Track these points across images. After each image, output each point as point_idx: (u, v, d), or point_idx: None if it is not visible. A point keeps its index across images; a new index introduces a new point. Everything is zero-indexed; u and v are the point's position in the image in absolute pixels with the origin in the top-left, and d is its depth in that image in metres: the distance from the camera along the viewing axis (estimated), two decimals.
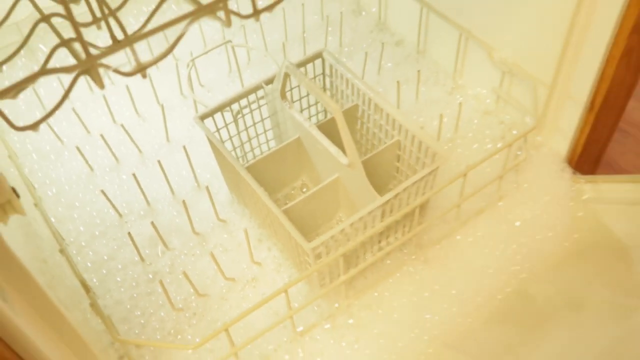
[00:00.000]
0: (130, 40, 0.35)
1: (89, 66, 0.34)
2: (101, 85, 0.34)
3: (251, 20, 0.85)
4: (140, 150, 0.74)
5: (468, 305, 0.61)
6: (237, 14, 0.37)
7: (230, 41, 0.74)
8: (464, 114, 0.73)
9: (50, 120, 0.77)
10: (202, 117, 0.62)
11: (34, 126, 0.32)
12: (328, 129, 0.61)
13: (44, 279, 0.45)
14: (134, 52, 0.35)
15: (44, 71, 0.33)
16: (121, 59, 0.36)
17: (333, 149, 0.57)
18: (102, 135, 0.72)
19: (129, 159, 0.74)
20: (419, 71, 0.73)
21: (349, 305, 0.60)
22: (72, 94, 0.34)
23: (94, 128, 0.77)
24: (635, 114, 1.05)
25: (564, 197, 0.67)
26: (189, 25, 0.34)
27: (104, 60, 0.34)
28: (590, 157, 0.72)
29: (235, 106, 0.65)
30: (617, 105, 0.68)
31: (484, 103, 0.74)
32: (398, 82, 0.71)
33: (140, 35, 0.34)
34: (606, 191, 0.66)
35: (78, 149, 0.70)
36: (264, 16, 0.81)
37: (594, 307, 0.54)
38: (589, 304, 0.55)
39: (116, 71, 0.35)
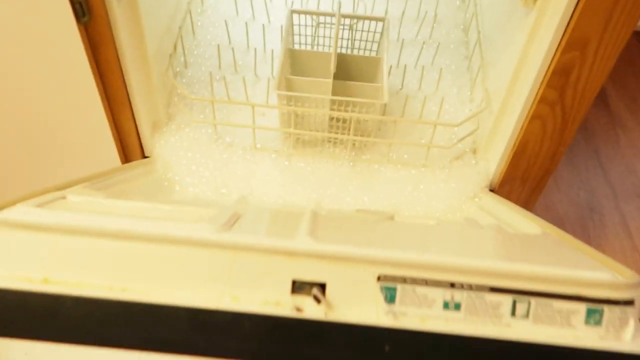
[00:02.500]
0: None
1: None
2: None
3: None
4: (269, 20, 1.15)
5: (346, 198, 0.92)
6: None
7: None
8: (455, 115, 1.02)
9: None
10: (294, 12, 1.00)
11: None
12: (353, 59, 0.96)
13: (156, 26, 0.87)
14: None
15: None
16: None
17: (332, 64, 0.92)
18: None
19: (261, 17, 1.15)
20: (441, 69, 1.03)
21: (291, 154, 0.96)
22: None
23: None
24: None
25: (464, 193, 0.94)
26: None
27: None
28: (506, 185, 0.96)
29: (321, 18, 1.02)
30: (537, 159, 0.91)
31: (472, 112, 1.02)
32: (423, 67, 1.02)
33: None
34: (490, 204, 0.91)
35: None
36: None
37: None
38: None
39: None
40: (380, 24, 1.00)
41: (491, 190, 0.97)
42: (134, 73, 0.85)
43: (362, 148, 0.97)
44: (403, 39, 1.09)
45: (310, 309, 0.45)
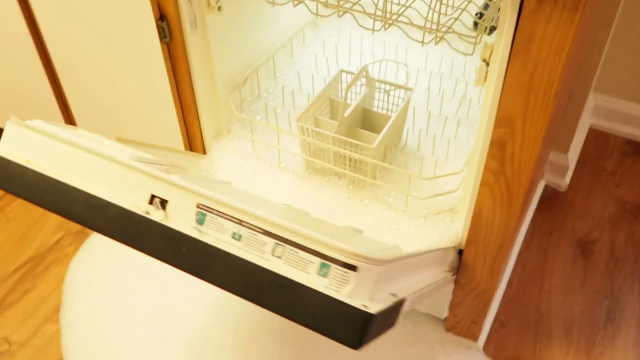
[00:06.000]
0: None
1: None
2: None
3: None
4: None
5: (331, 219, 1.12)
6: None
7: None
8: (449, 178, 1.16)
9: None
10: (342, 71, 1.25)
11: None
12: (373, 114, 1.17)
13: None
14: None
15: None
16: None
17: (341, 111, 1.14)
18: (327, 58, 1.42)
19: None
20: (449, 139, 1.19)
21: (304, 177, 1.19)
22: None
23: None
24: None
25: (432, 243, 1.08)
26: None
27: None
28: (471, 247, 1.07)
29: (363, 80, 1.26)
30: (493, 226, 1.02)
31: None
32: (434, 135, 1.19)
33: None
34: None
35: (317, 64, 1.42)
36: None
37: None
38: None
39: None
40: (408, 92, 1.20)
41: (460, 250, 1.09)
42: (200, 88, 1.16)
43: (360, 186, 1.16)
44: (430, 111, 1.27)
45: (154, 214, 0.69)
